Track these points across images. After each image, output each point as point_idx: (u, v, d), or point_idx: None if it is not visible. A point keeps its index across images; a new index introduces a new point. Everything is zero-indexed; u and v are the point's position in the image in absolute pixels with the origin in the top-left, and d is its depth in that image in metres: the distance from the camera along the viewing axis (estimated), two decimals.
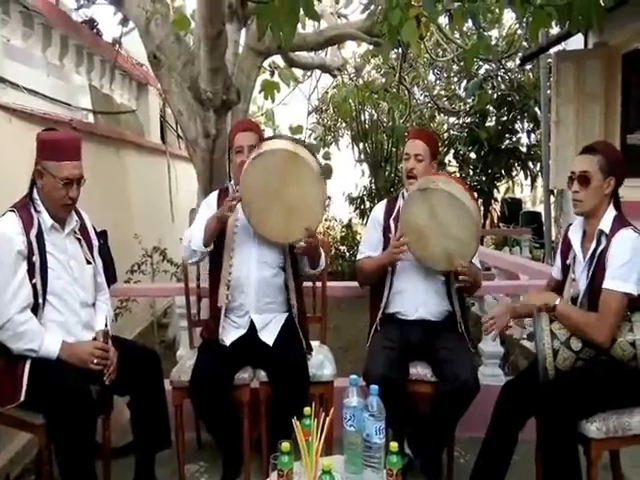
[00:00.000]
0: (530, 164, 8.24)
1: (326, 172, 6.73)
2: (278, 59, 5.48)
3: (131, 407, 2.25)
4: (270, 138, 2.48)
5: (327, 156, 7.90)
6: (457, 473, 2.41)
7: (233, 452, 2.48)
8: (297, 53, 5.11)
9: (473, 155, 8.43)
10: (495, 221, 9.31)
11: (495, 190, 8.78)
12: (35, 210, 2.08)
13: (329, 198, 2.38)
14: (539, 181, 8.20)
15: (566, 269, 2.17)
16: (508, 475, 2.09)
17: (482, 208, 8.62)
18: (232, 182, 2.62)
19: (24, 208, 2.06)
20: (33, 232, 2.03)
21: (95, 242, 2.32)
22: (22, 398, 1.93)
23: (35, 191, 2.10)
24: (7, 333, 1.96)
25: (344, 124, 9.66)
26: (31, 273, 2.00)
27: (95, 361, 2.05)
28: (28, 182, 2.13)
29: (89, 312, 2.21)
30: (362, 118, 8.06)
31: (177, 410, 2.38)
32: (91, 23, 4.69)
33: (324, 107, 9.98)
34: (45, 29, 3.96)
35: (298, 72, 6.59)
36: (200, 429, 2.74)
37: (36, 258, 2.01)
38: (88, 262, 2.20)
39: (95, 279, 2.26)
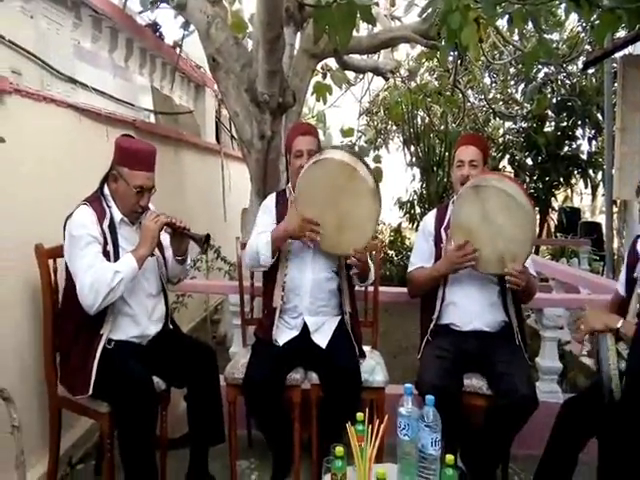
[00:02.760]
0: (591, 172, 7.96)
1: (377, 175, 6.67)
2: (331, 61, 5.49)
3: (188, 400, 2.31)
4: (329, 147, 2.48)
5: (377, 159, 7.86)
6: None
7: (283, 452, 2.51)
8: (350, 56, 5.11)
9: (529, 161, 8.21)
10: (552, 231, 9.03)
11: (552, 198, 8.52)
12: (107, 205, 2.17)
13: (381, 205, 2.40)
14: (600, 190, 7.91)
15: (632, 284, 2.08)
16: None
17: (539, 216, 8.39)
18: (289, 184, 2.63)
19: (96, 201, 2.15)
20: (106, 223, 2.12)
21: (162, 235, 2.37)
22: (90, 392, 2.03)
23: (106, 188, 2.20)
24: (105, 300, 2.00)
25: (395, 127, 9.58)
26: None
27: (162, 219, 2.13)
28: (96, 178, 2.22)
29: (154, 302, 2.29)
30: (414, 121, 7.97)
31: (230, 406, 2.43)
32: (154, 26, 4.81)
33: (375, 109, 9.92)
34: (112, 32, 4.11)
35: (350, 74, 6.58)
36: (252, 427, 2.78)
37: (110, 247, 2.10)
38: (152, 254, 2.25)
39: (160, 270, 2.32)
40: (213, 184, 5.58)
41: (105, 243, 2.09)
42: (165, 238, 2.36)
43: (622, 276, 2.17)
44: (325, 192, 2.31)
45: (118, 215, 2.18)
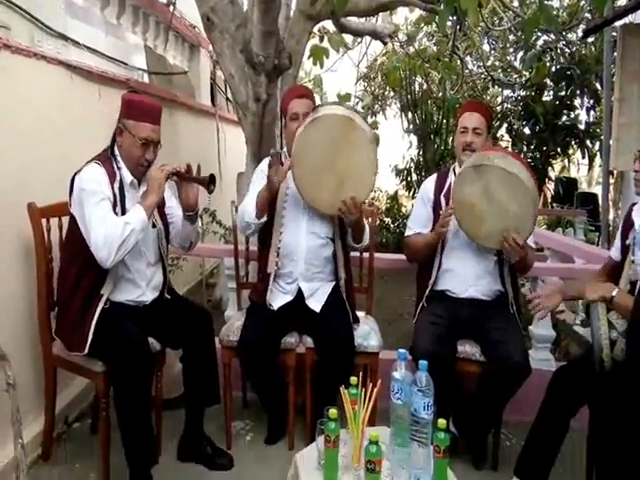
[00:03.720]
0: (588, 143, 7.88)
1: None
2: (328, 24, 5.36)
3: (183, 361, 2.33)
4: (325, 104, 2.44)
5: (374, 125, 7.80)
6: (503, 456, 2.39)
7: (278, 414, 2.55)
8: (348, 19, 4.99)
9: (527, 130, 8.11)
10: (548, 201, 9.01)
11: (550, 168, 8.45)
12: (117, 166, 2.15)
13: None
14: (597, 161, 7.86)
15: (625, 250, 2.08)
16: (557, 463, 2.05)
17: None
18: (285, 149, 2.60)
19: (107, 162, 2.13)
20: (116, 185, 2.11)
21: (167, 200, 2.36)
22: (86, 351, 2.04)
23: (116, 148, 2.17)
24: (118, 253, 1.99)
25: (393, 93, 9.43)
26: None
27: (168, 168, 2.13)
28: (88, 137, 2.18)
29: (152, 270, 2.29)
30: (412, 87, 7.85)
31: (225, 368, 2.45)
32: None
33: (373, 75, 9.75)
34: None
35: (348, 38, 6.45)
36: (247, 389, 2.81)
37: (119, 210, 2.09)
38: (154, 225, 2.25)
39: (160, 241, 2.31)
40: (208, 147, 5.50)
41: (114, 204, 2.08)
42: (171, 203, 2.37)
43: (617, 242, 2.18)
44: (323, 152, 2.29)
45: (127, 177, 2.17)
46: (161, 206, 2.31)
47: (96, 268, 2.05)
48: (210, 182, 2.18)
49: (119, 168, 2.15)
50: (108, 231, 1.97)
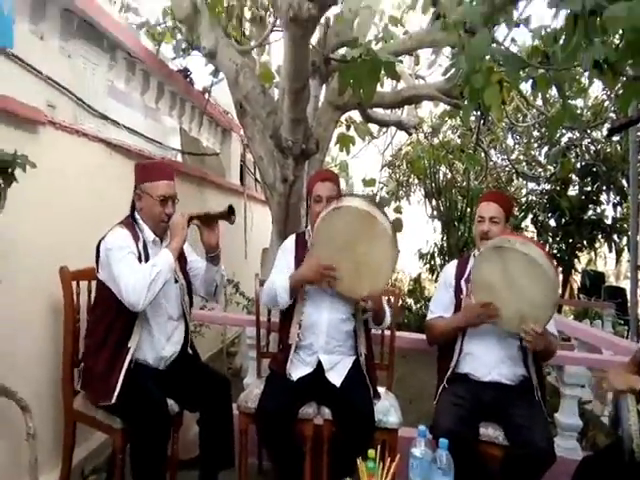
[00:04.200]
0: (615, 237, 7.87)
1: (397, 226, 6.76)
2: (355, 114, 5.61)
3: (200, 424, 2.32)
4: (348, 195, 2.53)
5: (398, 209, 7.90)
6: None
7: None
8: (374, 109, 5.24)
9: (553, 222, 8.17)
10: (575, 292, 8.89)
11: (576, 260, 8.42)
12: (139, 228, 2.27)
13: (398, 252, 2.42)
14: (625, 255, 7.80)
15: None
16: None
17: (561, 277, 8.29)
18: (309, 228, 2.68)
19: (130, 225, 2.25)
20: (140, 244, 2.22)
21: (188, 256, 2.45)
22: (113, 400, 2.06)
23: (136, 213, 2.30)
24: (149, 292, 2.06)
25: (417, 180, 9.69)
26: None
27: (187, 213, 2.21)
28: (124, 209, 2.33)
29: (174, 325, 2.34)
30: (436, 176, 8.06)
31: (242, 434, 2.43)
32: (185, 72, 5.00)
33: (397, 162, 10.07)
34: (145, 75, 4.28)
35: (373, 127, 6.72)
36: (262, 456, 2.76)
37: (144, 264, 2.16)
38: (176, 281, 2.33)
39: (183, 297, 2.38)
40: (236, 224, 5.66)
41: (139, 260, 2.17)
42: (191, 259, 2.45)
43: None
44: (342, 238, 2.34)
45: (150, 236, 2.28)
46: (182, 264, 2.39)
47: (123, 323, 2.13)
48: (230, 213, 2.26)
49: (141, 230, 2.26)
50: (137, 276, 2.05)
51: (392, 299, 2.74)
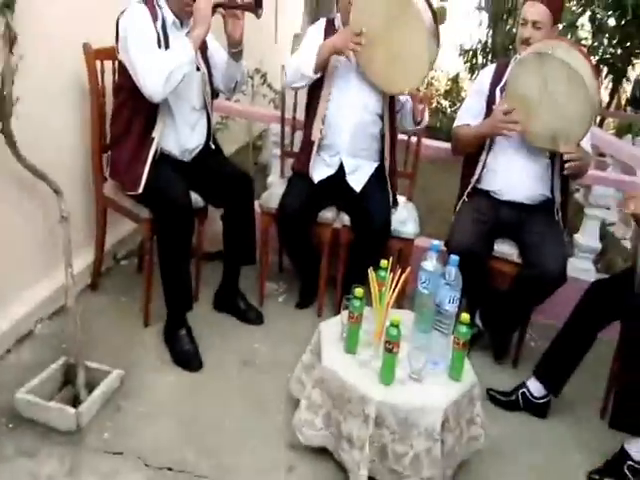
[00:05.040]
0: None
1: (440, 15, 6.11)
2: None
3: (223, 220, 2.40)
4: None
5: None
6: (525, 355, 2.41)
7: (310, 282, 2.65)
8: None
9: (612, 22, 7.29)
10: (622, 103, 8.34)
11: (630, 67, 7.72)
12: (158, 5, 2.09)
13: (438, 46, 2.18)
14: None
15: None
16: (579, 371, 2.09)
17: (611, 85, 7.73)
18: (338, 15, 2.46)
19: (149, 2, 2.06)
20: (159, 23, 2.06)
21: (209, 44, 2.30)
22: (140, 190, 2.10)
23: None
24: (167, 84, 1.96)
25: None
26: None
27: None
28: None
29: (197, 116, 2.28)
30: None
31: (264, 233, 2.52)
32: None
33: None
34: None
35: None
36: (282, 255, 2.89)
37: (162, 49, 2.04)
38: (197, 69, 2.21)
39: (205, 86, 2.28)
40: (265, 3, 5.20)
41: (158, 43, 2.04)
42: (212, 47, 2.31)
43: None
44: (376, 21, 2.16)
45: (170, 17, 2.11)
46: (204, 50, 2.25)
47: (147, 111, 2.08)
48: (257, 5, 2.08)
49: (160, 7, 2.09)
50: (154, 64, 1.94)
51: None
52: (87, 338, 1.96)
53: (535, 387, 2.13)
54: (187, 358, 2.14)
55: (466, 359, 1.71)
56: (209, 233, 2.52)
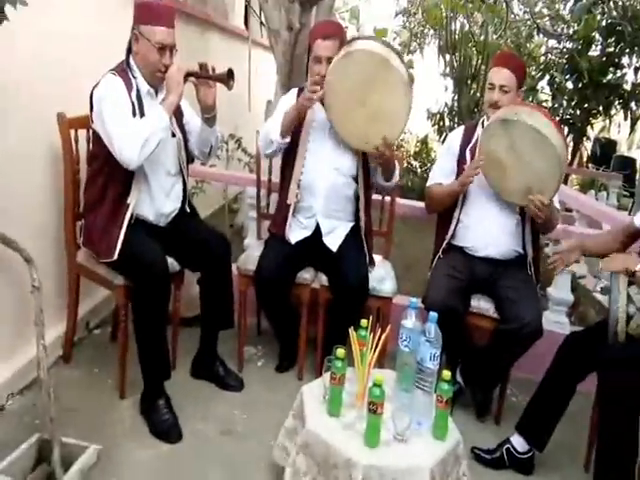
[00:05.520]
0: (633, 105, 7.54)
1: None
2: None
3: (200, 284, 2.39)
4: (362, 38, 2.35)
5: (410, 64, 7.49)
6: (507, 411, 2.41)
7: (290, 345, 2.63)
8: None
9: (570, 85, 7.76)
10: (584, 160, 8.74)
11: (589, 127, 8.15)
12: (132, 75, 2.13)
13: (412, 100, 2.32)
14: None
15: None
16: (560, 424, 2.09)
17: (572, 144, 8.12)
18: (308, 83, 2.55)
19: (123, 72, 2.12)
20: (133, 93, 2.11)
21: (184, 111, 2.36)
22: (115, 257, 2.08)
23: (131, 58, 2.15)
24: (142, 151, 1.99)
25: (432, 31, 9.05)
26: None
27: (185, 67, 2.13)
28: (119, 52, 2.17)
29: (172, 181, 2.30)
30: (452, 27, 7.51)
31: (242, 295, 2.52)
32: None
33: (413, 10, 9.32)
34: None
35: None
36: (261, 317, 2.88)
37: (137, 118, 2.08)
38: (173, 135, 2.25)
39: (180, 152, 2.31)
40: (238, 72, 5.38)
41: (134, 112, 2.08)
42: (187, 113, 2.36)
43: None
44: (356, 84, 2.24)
45: (144, 87, 2.16)
46: (179, 117, 2.30)
47: (122, 178, 2.09)
48: (229, 77, 2.15)
49: (135, 77, 2.14)
50: (129, 132, 1.98)
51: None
52: (61, 412, 1.88)
53: (519, 442, 2.12)
54: (166, 429, 2.07)
55: (449, 417, 1.70)
56: (185, 298, 2.50)
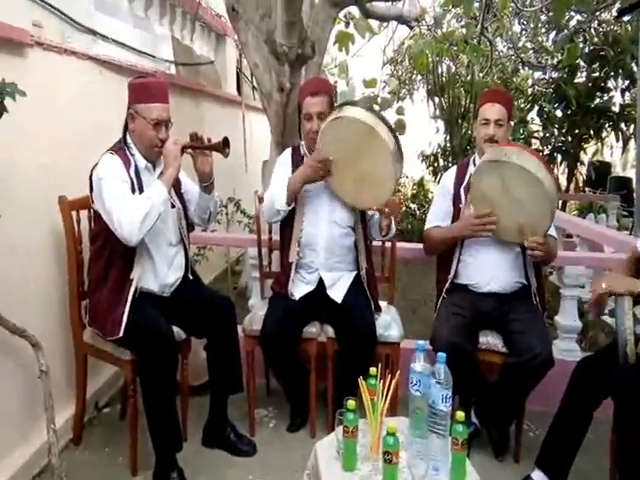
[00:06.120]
0: (623, 125, 7.62)
1: (399, 128, 6.60)
2: (353, 10, 5.31)
3: (207, 350, 2.39)
4: (352, 103, 2.41)
5: (401, 111, 7.67)
6: (525, 447, 2.36)
7: (300, 402, 2.60)
8: (373, 3, 4.92)
9: (559, 113, 7.89)
10: (580, 185, 8.78)
11: (582, 152, 8.23)
12: (130, 153, 2.20)
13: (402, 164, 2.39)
14: (632, 144, 7.61)
15: None
16: (580, 453, 2.03)
17: (566, 171, 8.17)
18: (302, 142, 2.63)
19: (120, 150, 2.18)
20: (132, 170, 2.16)
21: (182, 180, 2.41)
22: (121, 334, 2.09)
23: (128, 136, 2.22)
24: (142, 226, 2.03)
25: (420, 77, 9.31)
26: None
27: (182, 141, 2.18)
28: (119, 130, 2.24)
29: (174, 251, 2.33)
30: (439, 71, 7.73)
31: (249, 356, 2.50)
32: None
33: (399, 59, 9.62)
34: None
35: (374, 23, 6.35)
36: (270, 376, 2.86)
37: (137, 194, 2.13)
38: (172, 205, 2.30)
39: (180, 221, 2.36)
40: (234, 136, 5.54)
41: (132, 189, 2.13)
42: (185, 183, 2.41)
43: None
44: (344, 150, 2.30)
45: (142, 162, 2.22)
46: (177, 188, 2.35)
47: (124, 253, 2.12)
48: (224, 146, 2.21)
49: (132, 155, 2.20)
50: (129, 208, 2.02)
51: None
52: None
53: (540, 478, 2.06)
54: None
55: (467, 460, 1.66)
56: (192, 366, 2.49)
